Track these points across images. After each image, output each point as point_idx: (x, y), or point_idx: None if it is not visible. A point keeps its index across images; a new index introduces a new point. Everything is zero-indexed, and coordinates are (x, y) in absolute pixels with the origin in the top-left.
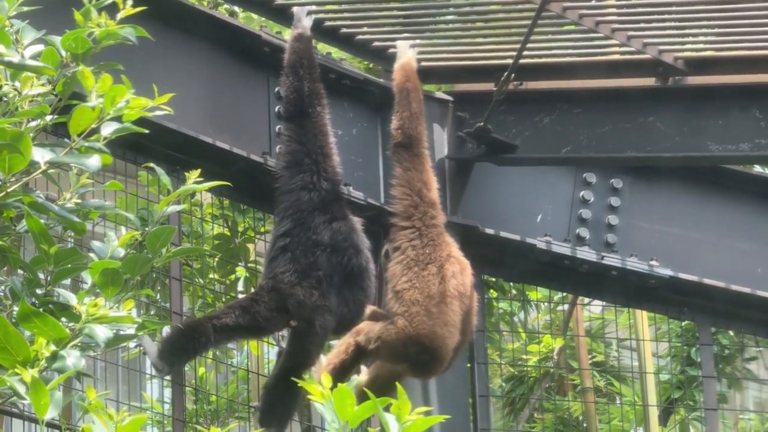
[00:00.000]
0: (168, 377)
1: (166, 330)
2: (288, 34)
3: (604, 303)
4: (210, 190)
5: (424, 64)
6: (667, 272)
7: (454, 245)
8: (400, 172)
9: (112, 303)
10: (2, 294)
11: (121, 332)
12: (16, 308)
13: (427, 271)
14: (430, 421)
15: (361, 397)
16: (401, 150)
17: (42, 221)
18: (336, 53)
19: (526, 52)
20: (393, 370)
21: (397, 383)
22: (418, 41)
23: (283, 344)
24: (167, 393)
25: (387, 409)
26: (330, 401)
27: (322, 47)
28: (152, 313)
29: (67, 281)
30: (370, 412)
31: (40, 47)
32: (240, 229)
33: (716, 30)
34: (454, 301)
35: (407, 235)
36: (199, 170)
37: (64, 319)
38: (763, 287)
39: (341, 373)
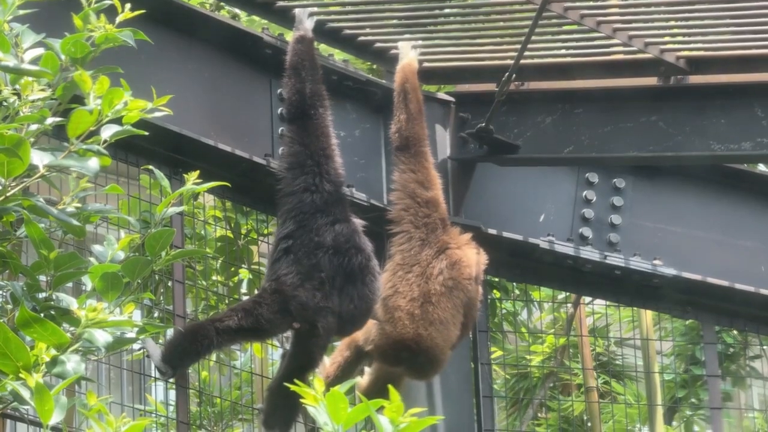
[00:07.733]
0: (172, 380)
1: (170, 333)
2: (290, 36)
3: (607, 302)
4: (212, 192)
5: (426, 65)
6: (670, 271)
7: (455, 238)
8: (397, 176)
9: (113, 307)
10: (3, 299)
11: (123, 336)
12: (17, 313)
13: (411, 274)
14: (424, 423)
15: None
16: (399, 153)
17: (42, 225)
18: (338, 54)
19: (527, 53)
20: (392, 371)
21: (390, 386)
22: (419, 42)
23: (287, 346)
24: (171, 395)
25: (381, 411)
26: (323, 405)
27: (325, 49)
28: (155, 315)
29: (69, 284)
30: (364, 414)
31: (40, 50)
32: (243, 231)
33: (718, 29)
34: (442, 299)
35: (397, 241)
36: (197, 172)
37: (65, 324)
38: (767, 286)
39: (345, 370)
